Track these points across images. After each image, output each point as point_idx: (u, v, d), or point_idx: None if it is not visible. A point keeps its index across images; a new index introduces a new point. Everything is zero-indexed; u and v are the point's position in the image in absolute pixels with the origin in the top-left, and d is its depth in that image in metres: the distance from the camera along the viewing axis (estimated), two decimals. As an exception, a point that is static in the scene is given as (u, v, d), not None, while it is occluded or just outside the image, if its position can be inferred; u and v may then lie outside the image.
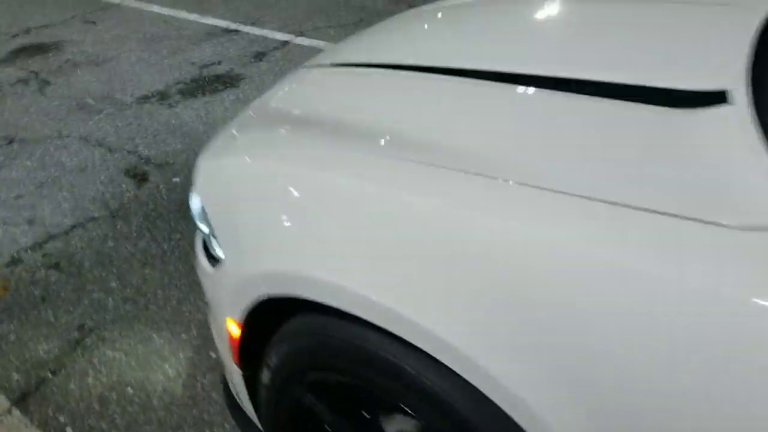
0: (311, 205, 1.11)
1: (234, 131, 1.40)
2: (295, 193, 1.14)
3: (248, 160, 1.26)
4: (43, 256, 2.57)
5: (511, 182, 0.93)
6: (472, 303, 0.88)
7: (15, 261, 2.54)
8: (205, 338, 2.11)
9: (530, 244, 0.85)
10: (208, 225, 1.33)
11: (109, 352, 2.09)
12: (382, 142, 1.16)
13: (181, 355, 2.06)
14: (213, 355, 2.04)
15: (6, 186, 3.05)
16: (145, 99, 3.83)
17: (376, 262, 0.99)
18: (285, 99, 1.53)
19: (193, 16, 5.11)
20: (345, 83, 1.51)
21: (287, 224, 1.13)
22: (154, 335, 2.15)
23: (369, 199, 1.04)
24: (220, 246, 1.29)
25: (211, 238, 1.34)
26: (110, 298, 2.32)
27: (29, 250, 2.60)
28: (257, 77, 4.02)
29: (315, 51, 4.33)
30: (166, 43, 4.64)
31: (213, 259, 1.36)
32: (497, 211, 0.90)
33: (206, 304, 2.01)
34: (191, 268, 2.44)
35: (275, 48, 4.43)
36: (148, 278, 2.40)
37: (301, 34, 4.63)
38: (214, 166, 1.35)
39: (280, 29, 4.75)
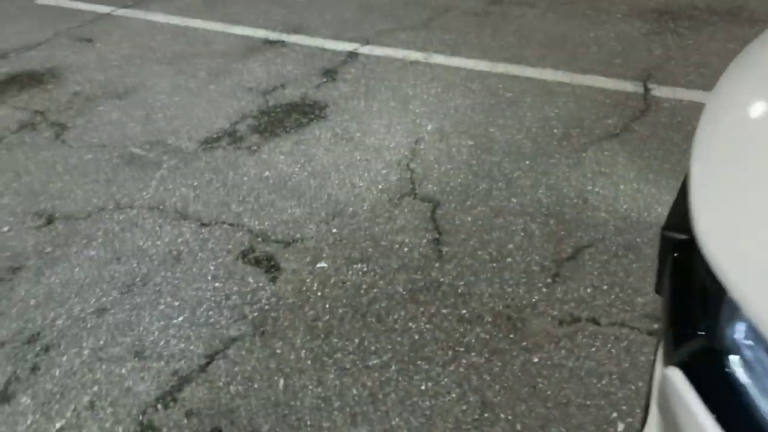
0: None
1: None
2: None
3: None
4: (187, 415, 1.72)
5: None
6: None
7: (145, 430, 1.69)
8: None
9: None
10: None
11: None
12: None
13: None
14: None
15: (75, 292, 2.15)
16: (211, 143, 2.94)
17: None
18: None
19: (217, 26, 4.19)
20: None
21: None
22: None
23: None
24: None
25: None
26: (333, 491, 1.51)
27: (160, 407, 1.75)
28: (342, 103, 3.19)
29: (394, 62, 3.53)
30: (197, 62, 3.73)
31: None
32: None
33: None
34: (442, 418, 1.65)
35: (344, 62, 3.60)
36: (374, 446, 1.60)
37: (366, 41, 3.80)
38: None
39: (335, 37, 3.91)
